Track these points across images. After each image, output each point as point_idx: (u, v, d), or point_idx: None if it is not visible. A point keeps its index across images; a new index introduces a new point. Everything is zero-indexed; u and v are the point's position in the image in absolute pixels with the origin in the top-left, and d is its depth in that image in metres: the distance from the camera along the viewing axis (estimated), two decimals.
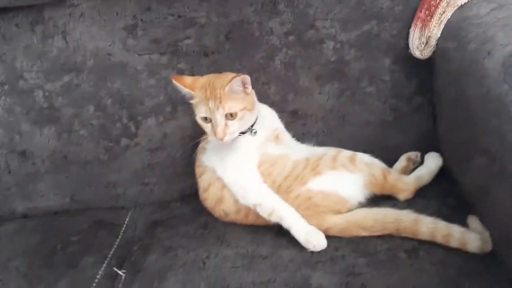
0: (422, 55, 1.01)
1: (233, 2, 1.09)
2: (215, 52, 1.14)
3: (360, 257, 0.86)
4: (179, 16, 1.12)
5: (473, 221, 0.89)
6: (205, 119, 0.96)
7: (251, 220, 1.00)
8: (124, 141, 1.21)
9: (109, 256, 1.07)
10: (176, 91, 1.11)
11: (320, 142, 1.14)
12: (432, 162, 1.04)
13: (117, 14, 1.13)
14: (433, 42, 0.98)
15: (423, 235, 0.86)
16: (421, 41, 1.00)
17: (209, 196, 1.05)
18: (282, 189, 0.97)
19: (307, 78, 1.13)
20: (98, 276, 1.01)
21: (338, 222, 0.92)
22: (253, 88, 1.01)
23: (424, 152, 1.09)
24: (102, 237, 1.14)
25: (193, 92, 0.96)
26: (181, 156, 1.22)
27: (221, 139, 0.93)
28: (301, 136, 1.15)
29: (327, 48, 1.10)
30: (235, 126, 0.95)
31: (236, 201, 1.00)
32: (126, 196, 1.25)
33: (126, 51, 1.15)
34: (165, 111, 1.19)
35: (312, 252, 0.90)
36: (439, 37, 0.97)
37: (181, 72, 1.15)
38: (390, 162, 1.09)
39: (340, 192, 0.94)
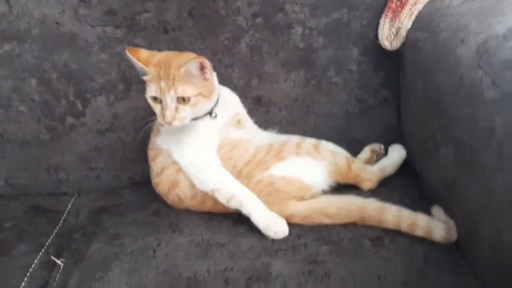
0: (391, 45, 1.00)
1: None
2: (176, 29, 1.06)
3: (323, 245, 0.82)
4: None
5: (436, 211, 0.87)
6: (155, 99, 0.88)
7: (207, 206, 0.93)
8: (69, 120, 1.10)
9: (46, 244, 0.96)
10: (131, 67, 1.03)
11: (283, 131, 1.10)
12: (396, 153, 1.03)
13: None
14: (403, 33, 0.97)
15: (388, 224, 0.83)
16: (391, 32, 0.99)
17: (162, 180, 0.96)
18: (242, 174, 0.91)
19: (273, 64, 1.08)
20: (33, 266, 0.89)
21: (301, 209, 0.87)
22: (215, 70, 0.95)
23: (387, 145, 1.07)
24: (39, 224, 1.02)
25: (146, 68, 0.88)
26: (132, 139, 1.12)
27: (169, 123, 0.86)
28: (264, 124, 1.10)
29: (295, 33, 1.06)
30: (186, 112, 0.87)
31: (192, 186, 0.92)
32: (69, 182, 1.13)
33: (77, 21, 1.05)
34: (117, 90, 1.09)
35: (272, 240, 0.84)
36: (410, 28, 0.96)
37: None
38: (354, 154, 1.05)
39: (303, 178, 0.90)
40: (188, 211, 0.96)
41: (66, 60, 1.07)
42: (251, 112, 1.08)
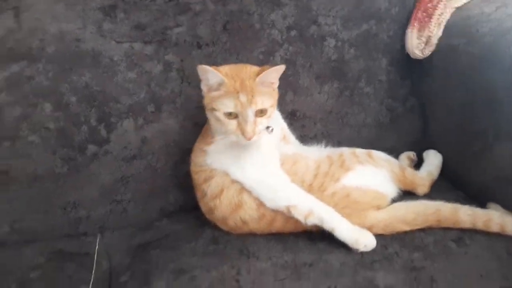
0: (422, 53, 1.05)
1: None
2: (209, 43, 1.01)
3: (413, 252, 0.81)
4: (171, 0, 0.97)
5: (494, 207, 0.90)
6: (229, 114, 0.82)
7: (276, 227, 0.87)
8: (90, 148, 0.97)
9: None
10: (162, 86, 0.96)
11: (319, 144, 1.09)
12: (435, 158, 1.06)
13: None
14: (434, 41, 1.03)
15: (464, 224, 0.85)
16: (421, 41, 1.04)
17: (222, 204, 0.88)
18: (314, 188, 0.87)
19: (307, 77, 1.07)
20: None
21: (381, 218, 0.85)
22: None
23: (416, 152, 1.11)
24: (69, 270, 0.88)
25: (226, 80, 0.82)
26: (163, 166, 1.03)
27: (250, 139, 0.81)
28: (299, 138, 1.07)
29: (328, 46, 1.07)
30: (262, 125, 0.83)
31: (259, 206, 0.86)
32: (89, 220, 1.00)
33: (101, 37, 0.95)
34: (146, 112, 1.00)
35: (361, 253, 0.80)
36: (441, 36, 1.02)
37: (168, 65, 0.99)
38: None
39: (377, 187, 0.89)
40: (252, 235, 0.88)
41: (87, 81, 0.95)
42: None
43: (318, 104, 1.09)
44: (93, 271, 0.88)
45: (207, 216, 0.93)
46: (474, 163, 0.98)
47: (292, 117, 1.08)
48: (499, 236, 0.84)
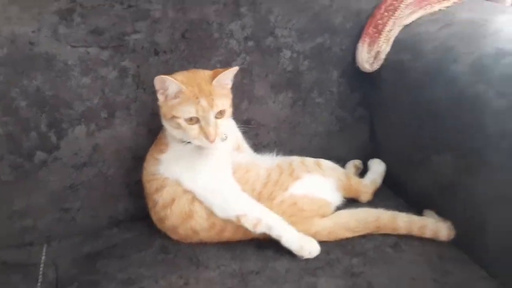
0: (371, 67, 1.10)
1: None
2: (167, 51, 1.01)
3: (353, 258, 0.86)
4: (130, 6, 0.96)
5: (429, 214, 0.97)
6: (191, 120, 0.84)
7: (226, 236, 0.90)
8: (39, 155, 0.96)
9: None
10: (117, 92, 0.97)
11: (271, 153, 1.12)
12: (379, 166, 1.12)
13: None
14: (382, 56, 1.08)
15: (402, 230, 0.91)
16: (371, 55, 1.09)
17: (172, 213, 0.90)
18: (263, 197, 0.90)
19: (263, 87, 1.10)
20: None
21: (326, 226, 0.90)
22: None
23: (362, 160, 1.17)
24: (14, 282, 0.86)
25: (184, 88, 0.84)
26: (114, 173, 1.03)
27: (213, 141, 0.83)
28: (253, 146, 1.10)
29: (284, 57, 1.10)
30: (223, 126, 0.86)
31: (209, 216, 0.89)
32: (36, 229, 0.99)
33: (56, 41, 0.93)
34: (99, 118, 0.99)
35: (306, 260, 0.85)
36: (389, 51, 1.07)
37: (123, 71, 0.99)
38: None
39: (323, 195, 0.93)
40: (202, 244, 0.91)
41: (39, 85, 0.93)
42: None
43: (272, 113, 1.13)
44: (39, 283, 0.87)
45: (157, 225, 0.94)
46: (414, 173, 1.05)
47: (246, 125, 1.11)
48: (433, 242, 0.90)
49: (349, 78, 1.16)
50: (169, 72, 0.95)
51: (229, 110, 0.88)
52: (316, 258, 0.85)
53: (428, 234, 0.91)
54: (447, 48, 0.93)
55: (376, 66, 1.10)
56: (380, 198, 1.06)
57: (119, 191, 1.03)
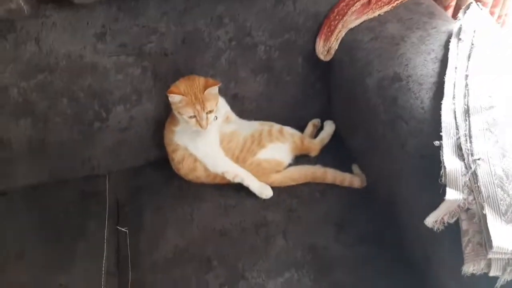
0: (325, 58, 1.48)
1: (188, 16, 1.38)
2: (173, 53, 1.43)
3: (293, 199, 1.39)
4: (143, 26, 1.36)
5: (355, 167, 1.47)
6: (190, 116, 1.30)
7: (217, 180, 1.43)
8: (96, 124, 1.46)
9: (106, 217, 1.40)
10: (142, 83, 1.42)
11: (254, 116, 1.58)
12: (329, 127, 1.57)
13: (87, 23, 1.32)
14: (332, 51, 1.45)
15: (329, 180, 1.42)
16: (324, 49, 1.46)
17: (183, 167, 1.43)
18: (239, 160, 1.41)
19: (245, 71, 1.51)
20: (105, 236, 1.35)
21: (278, 178, 1.42)
22: None
23: (322, 120, 1.62)
24: (93, 204, 1.45)
25: (185, 97, 1.28)
26: (145, 133, 1.53)
27: (205, 128, 1.31)
28: (240, 112, 1.56)
29: (260, 50, 1.48)
30: (211, 118, 1.33)
31: (206, 170, 1.41)
32: (100, 167, 1.54)
33: (96, 54, 1.36)
34: (131, 100, 1.46)
35: (263, 199, 1.39)
36: (337, 49, 1.44)
37: (144, 69, 1.43)
38: (301, 127, 1.60)
39: (278, 158, 1.43)
40: (203, 185, 1.45)
41: (90, 83, 1.40)
42: (230, 105, 1.54)
43: (253, 89, 1.55)
44: (107, 203, 1.45)
45: (176, 171, 1.48)
46: (348, 136, 1.51)
47: (234, 98, 1.55)
48: (349, 189, 1.42)
49: (310, 62, 1.54)
50: (177, 67, 1.40)
51: (215, 108, 1.32)
52: (270, 199, 1.38)
53: (346, 184, 1.41)
54: (368, 61, 1.31)
55: (328, 58, 1.47)
56: (326, 152, 1.54)
57: (150, 143, 1.55)
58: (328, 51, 1.46)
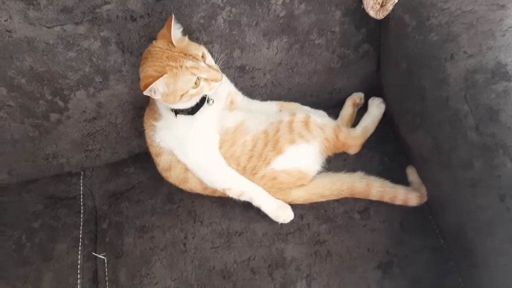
0: (376, 15, 0.96)
1: None
2: (144, 15, 0.96)
3: (322, 224, 1.01)
4: None
5: (411, 172, 1.04)
6: (195, 83, 0.89)
7: (218, 194, 1.05)
8: (53, 116, 1.08)
9: (80, 237, 1.09)
10: (105, 60, 1.01)
11: (269, 92, 1.15)
12: (376, 109, 1.12)
13: None
14: (389, 6, 0.93)
15: (374, 197, 1.01)
16: (377, 1, 0.94)
17: (171, 176, 1.05)
18: (247, 171, 1.00)
19: (254, 35, 1.03)
20: (79, 262, 1.05)
21: (301, 195, 1.02)
22: None
23: (367, 93, 1.15)
24: (63, 216, 1.13)
25: (165, 75, 0.85)
26: (122, 121, 1.14)
27: (221, 78, 0.92)
28: (250, 88, 1.12)
29: (275, 3, 0.98)
30: (212, 62, 0.93)
31: (201, 182, 1.03)
32: (70, 163, 1.20)
33: (30, 25, 0.92)
34: (95, 82, 1.04)
35: (281, 225, 1.01)
36: (397, 2, 0.91)
37: (105, 40, 0.98)
38: (335, 102, 1.17)
39: (301, 168, 1.01)
40: (199, 195, 1.08)
41: (30, 64, 0.98)
42: (236, 80, 1.10)
43: (266, 58, 1.09)
44: (82, 215, 1.13)
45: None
46: (406, 129, 1.05)
47: (241, 71, 1.10)
48: (402, 208, 1.00)
49: (355, 16, 1.03)
50: (151, 35, 0.96)
51: (204, 51, 0.91)
52: (290, 223, 1.01)
53: (398, 202, 1.00)
54: (450, 35, 0.81)
55: (381, 15, 0.96)
56: (369, 148, 1.10)
57: (130, 133, 1.17)
58: (382, 5, 0.94)
